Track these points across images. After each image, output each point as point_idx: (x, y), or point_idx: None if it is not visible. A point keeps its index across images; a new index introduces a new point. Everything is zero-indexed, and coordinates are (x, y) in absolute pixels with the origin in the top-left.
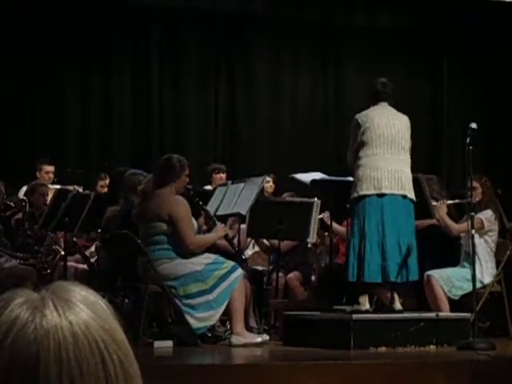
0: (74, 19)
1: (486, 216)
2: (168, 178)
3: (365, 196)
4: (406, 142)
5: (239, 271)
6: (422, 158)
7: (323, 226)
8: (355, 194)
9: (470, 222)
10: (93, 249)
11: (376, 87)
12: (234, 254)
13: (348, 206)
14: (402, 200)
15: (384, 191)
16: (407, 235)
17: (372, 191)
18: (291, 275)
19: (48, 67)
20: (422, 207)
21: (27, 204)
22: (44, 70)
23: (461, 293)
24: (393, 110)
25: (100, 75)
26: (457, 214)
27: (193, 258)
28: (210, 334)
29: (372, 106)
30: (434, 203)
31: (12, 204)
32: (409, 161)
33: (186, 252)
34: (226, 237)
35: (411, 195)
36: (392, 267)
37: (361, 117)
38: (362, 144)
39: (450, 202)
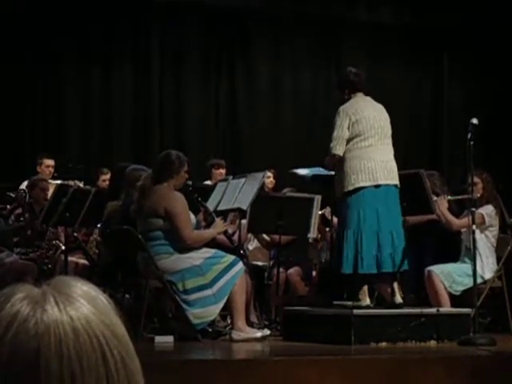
0: (75, 13)
1: (487, 211)
2: (166, 173)
3: (361, 188)
4: (389, 131)
5: (240, 265)
6: (423, 154)
7: (324, 221)
8: (350, 187)
9: (470, 218)
10: (93, 243)
11: (350, 77)
12: (233, 249)
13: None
14: (394, 190)
15: (379, 182)
16: (397, 225)
17: (368, 183)
18: (292, 270)
19: (49, 62)
20: (422, 202)
21: (27, 195)
22: (45, 66)
23: (461, 288)
24: (372, 101)
25: (101, 71)
26: (457, 209)
27: (191, 253)
28: (210, 329)
29: (348, 97)
30: (435, 198)
31: (12, 195)
32: (392, 149)
33: (184, 247)
34: (225, 233)
35: (399, 185)
36: (385, 258)
37: (348, 109)
38: (353, 136)
39: (451, 197)
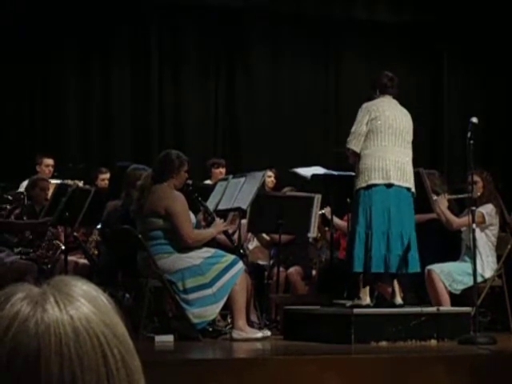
0: (74, 13)
1: (487, 210)
2: (167, 173)
3: (373, 185)
4: (410, 136)
5: (240, 265)
6: (423, 153)
7: (324, 220)
8: (363, 184)
9: (470, 217)
10: (92, 244)
11: (383, 80)
12: (233, 249)
13: (349, 200)
14: (406, 192)
15: (392, 181)
16: (409, 227)
17: (381, 181)
18: (292, 270)
19: (48, 63)
20: (422, 201)
21: (25, 197)
22: (44, 66)
23: (462, 287)
24: (398, 104)
25: (100, 71)
26: (458, 208)
27: (191, 253)
28: (210, 329)
29: (377, 97)
30: (435, 197)
31: (10, 197)
32: (411, 155)
33: (184, 247)
34: (225, 232)
35: (413, 189)
36: (393, 258)
37: (370, 106)
38: (370, 133)
39: (450, 196)
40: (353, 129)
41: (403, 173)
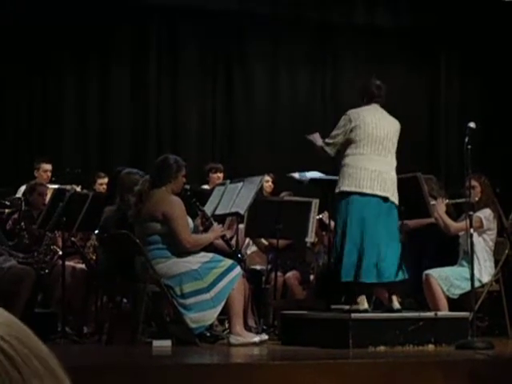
0: (74, 15)
1: (485, 215)
2: (164, 178)
3: (346, 193)
4: (393, 144)
5: (238, 269)
6: (420, 157)
7: (322, 225)
8: (337, 190)
9: (468, 221)
10: (90, 249)
11: (371, 89)
12: (231, 253)
13: None
14: (383, 202)
15: (365, 191)
16: (387, 237)
17: (353, 188)
18: (289, 274)
19: (46, 66)
20: (420, 206)
21: (23, 203)
22: (42, 69)
23: (459, 292)
24: (384, 112)
25: (98, 75)
26: (455, 212)
27: (189, 257)
28: (208, 334)
29: (364, 105)
30: (433, 202)
31: (7, 203)
32: (394, 164)
33: (182, 251)
34: (222, 237)
35: (394, 198)
36: (367, 267)
37: (353, 113)
38: (350, 142)
39: (448, 201)
40: (333, 133)
41: (380, 182)
